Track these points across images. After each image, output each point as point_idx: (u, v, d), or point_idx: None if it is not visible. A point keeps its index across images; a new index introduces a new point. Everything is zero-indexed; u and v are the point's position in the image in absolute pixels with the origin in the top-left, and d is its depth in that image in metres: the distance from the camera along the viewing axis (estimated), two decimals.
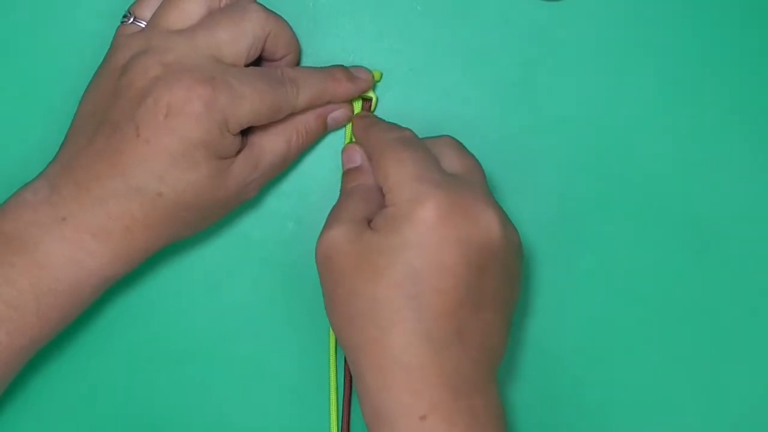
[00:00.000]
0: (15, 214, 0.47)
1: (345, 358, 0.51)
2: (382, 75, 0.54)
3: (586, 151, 0.54)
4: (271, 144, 0.51)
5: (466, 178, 0.47)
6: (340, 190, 0.51)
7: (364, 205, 0.48)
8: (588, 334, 0.54)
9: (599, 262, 0.54)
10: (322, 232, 0.47)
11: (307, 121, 0.52)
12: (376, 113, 0.54)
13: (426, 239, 0.44)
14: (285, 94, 0.49)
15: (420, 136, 0.50)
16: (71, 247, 0.47)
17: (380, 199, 0.48)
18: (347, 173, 0.51)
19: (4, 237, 0.47)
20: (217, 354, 0.54)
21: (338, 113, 0.52)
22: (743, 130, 0.55)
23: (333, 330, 0.47)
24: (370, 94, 0.53)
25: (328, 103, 0.52)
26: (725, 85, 0.54)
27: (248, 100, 0.47)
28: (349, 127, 0.53)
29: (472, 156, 0.49)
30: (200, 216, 0.49)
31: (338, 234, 0.46)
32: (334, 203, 0.52)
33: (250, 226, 0.54)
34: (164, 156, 0.46)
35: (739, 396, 0.55)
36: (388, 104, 0.54)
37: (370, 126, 0.51)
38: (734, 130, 0.54)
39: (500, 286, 0.46)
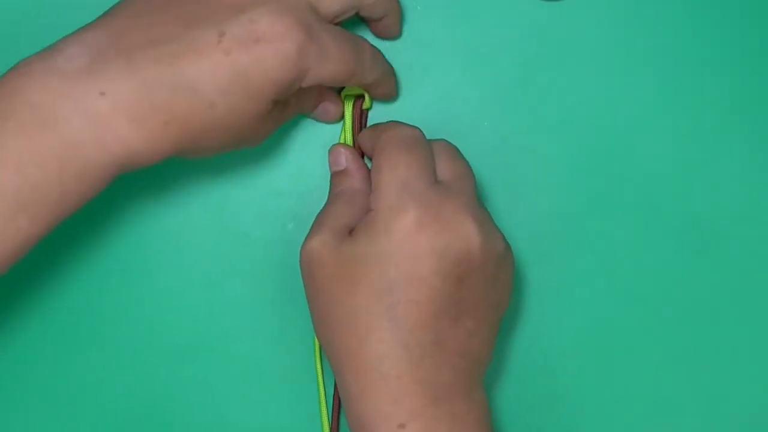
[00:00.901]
0: (45, 82, 0.42)
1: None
2: None
3: (586, 151, 0.54)
4: (302, 104, 0.51)
5: (453, 187, 0.47)
6: (328, 194, 0.51)
7: (348, 211, 0.48)
8: (587, 335, 0.54)
9: (599, 262, 0.54)
10: (304, 241, 0.47)
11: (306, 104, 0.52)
12: (373, 112, 0.54)
13: (402, 249, 0.45)
14: (363, 66, 0.48)
15: None
16: (103, 129, 0.43)
17: (365, 203, 0.48)
18: (333, 176, 0.51)
19: (31, 109, 0.42)
20: (216, 353, 0.54)
21: (332, 106, 0.53)
22: (743, 130, 0.54)
23: (317, 337, 0.48)
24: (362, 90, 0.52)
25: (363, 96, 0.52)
26: (725, 85, 0.54)
27: (332, 60, 0.46)
28: (343, 127, 0.53)
29: (465, 162, 0.49)
30: (228, 140, 0.46)
31: (318, 243, 0.46)
32: None
33: (250, 226, 0.54)
34: (238, 75, 0.44)
35: (739, 396, 0.55)
36: (387, 104, 0.54)
37: (380, 126, 0.50)
38: (734, 130, 0.54)
39: (483, 295, 0.46)
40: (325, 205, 0.50)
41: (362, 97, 0.52)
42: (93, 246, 0.54)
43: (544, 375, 0.54)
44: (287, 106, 0.50)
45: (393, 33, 0.53)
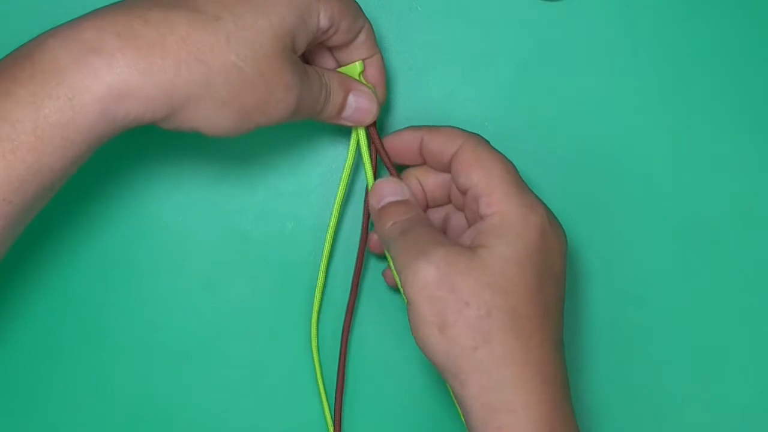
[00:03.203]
0: (43, 39, 0.40)
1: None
2: (363, 65, 0.49)
3: (586, 150, 0.54)
4: (313, 92, 0.46)
5: None
6: (387, 225, 0.47)
7: (437, 232, 0.47)
8: (587, 335, 0.54)
9: (598, 262, 0.54)
10: (412, 274, 0.44)
11: (333, 84, 0.48)
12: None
13: (539, 244, 0.45)
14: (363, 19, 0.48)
15: None
16: (87, 52, 0.40)
17: (432, 225, 0.47)
18: (394, 206, 0.48)
19: (41, 68, 0.39)
20: (215, 353, 0.54)
21: (364, 101, 0.49)
22: (743, 130, 0.54)
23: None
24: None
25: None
26: (725, 84, 0.54)
27: (331, 7, 0.45)
28: (356, 138, 0.50)
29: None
30: (244, 87, 0.42)
31: (433, 267, 0.44)
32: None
33: (250, 226, 0.54)
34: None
35: (739, 396, 0.55)
36: (387, 105, 0.54)
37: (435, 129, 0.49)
38: (734, 130, 0.54)
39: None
40: (407, 233, 0.46)
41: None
42: (92, 246, 0.54)
43: None
44: (309, 78, 0.46)
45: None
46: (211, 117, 0.42)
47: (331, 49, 0.49)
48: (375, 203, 0.49)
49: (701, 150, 0.54)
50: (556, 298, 0.46)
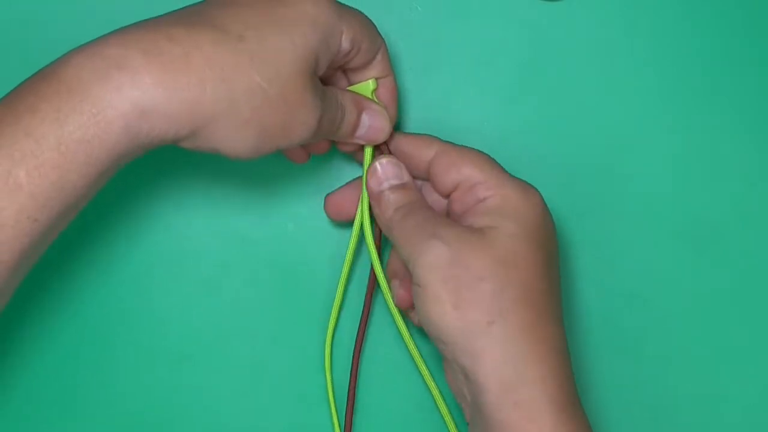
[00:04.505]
0: (70, 57, 0.40)
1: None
2: (376, 83, 0.49)
3: (586, 150, 0.54)
4: (332, 112, 0.46)
5: None
6: (389, 211, 0.48)
7: (437, 215, 0.47)
8: (587, 335, 0.54)
9: (598, 261, 0.54)
10: (424, 255, 0.45)
11: (347, 104, 0.48)
12: None
13: (542, 223, 0.46)
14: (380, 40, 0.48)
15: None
16: (111, 67, 0.40)
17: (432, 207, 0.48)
18: (395, 189, 0.48)
19: (66, 84, 0.39)
20: (215, 354, 0.54)
21: (377, 119, 0.49)
22: (743, 130, 0.54)
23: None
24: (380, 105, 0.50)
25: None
26: (725, 84, 0.54)
27: (359, 21, 0.46)
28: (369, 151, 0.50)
29: None
30: (267, 108, 0.42)
31: (444, 248, 0.44)
32: None
33: (250, 227, 0.54)
34: (269, 14, 0.43)
35: (739, 396, 0.55)
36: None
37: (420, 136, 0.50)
38: (734, 130, 0.54)
39: None
40: (410, 216, 0.47)
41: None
42: (91, 246, 0.54)
43: None
44: (328, 99, 0.46)
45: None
46: (232, 137, 0.42)
47: (345, 69, 0.49)
48: (375, 186, 0.49)
49: (701, 150, 0.54)
50: (558, 276, 0.47)
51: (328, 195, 0.51)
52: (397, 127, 0.53)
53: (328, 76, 0.49)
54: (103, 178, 0.41)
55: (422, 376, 0.51)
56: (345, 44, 0.46)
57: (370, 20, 0.48)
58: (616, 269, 0.54)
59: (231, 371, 0.54)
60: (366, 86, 0.49)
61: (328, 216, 0.52)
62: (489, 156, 0.48)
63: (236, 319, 0.54)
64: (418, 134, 0.50)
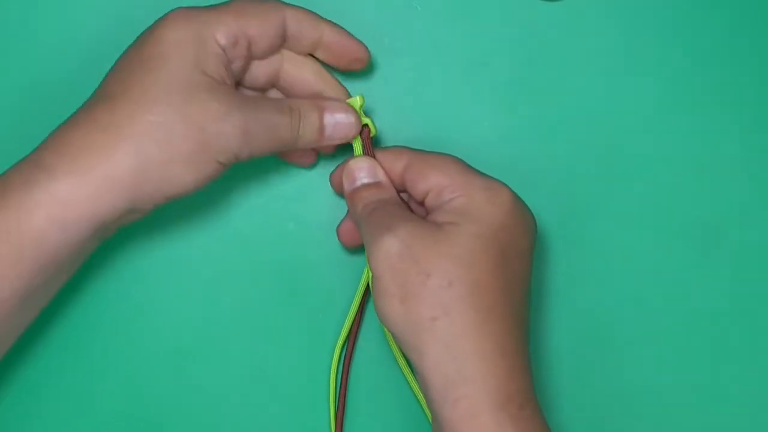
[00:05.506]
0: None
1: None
2: (363, 99, 0.50)
3: (586, 151, 0.54)
4: (266, 115, 0.47)
5: None
6: (358, 207, 0.48)
7: (407, 211, 0.48)
8: (587, 335, 0.54)
9: (599, 262, 0.54)
10: (376, 247, 0.45)
11: (304, 107, 0.49)
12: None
13: (507, 222, 0.46)
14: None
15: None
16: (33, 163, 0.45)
17: (405, 207, 0.48)
18: (368, 188, 0.49)
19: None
20: (215, 354, 0.54)
21: (341, 115, 0.49)
22: (743, 130, 0.54)
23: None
24: (365, 119, 0.50)
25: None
26: (725, 84, 0.54)
27: (227, 25, 0.47)
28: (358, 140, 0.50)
29: None
30: (173, 152, 0.44)
31: (405, 236, 0.45)
32: (333, 203, 0.52)
33: (251, 227, 0.54)
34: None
35: (740, 396, 0.55)
36: (388, 105, 0.54)
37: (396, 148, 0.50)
38: (734, 130, 0.54)
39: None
40: (376, 211, 0.47)
41: (366, 126, 0.50)
42: None
43: (543, 375, 0.54)
44: (255, 104, 0.47)
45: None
46: (166, 179, 0.45)
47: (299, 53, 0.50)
48: (348, 185, 0.49)
49: (701, 150, 0.54)
50: (520, 276, 0.46)
51: (338, 226, 0.52)
52: (397, 127, 0.53)
53: (295, 80, 0.50)
54: (54, 271, 0.45)
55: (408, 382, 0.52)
56: (223, 40, 0.46)
57: (252, 4, 0.47)
58: (615, 269, 0.54)
59: (231, 371, 0.54)
60: (354, 102, 0.50)
61: (344, 246, 0.52)
62: (458, 159, 0.48)
63: (236, 318, 0.54)
64: (389, 147, 0.50)
